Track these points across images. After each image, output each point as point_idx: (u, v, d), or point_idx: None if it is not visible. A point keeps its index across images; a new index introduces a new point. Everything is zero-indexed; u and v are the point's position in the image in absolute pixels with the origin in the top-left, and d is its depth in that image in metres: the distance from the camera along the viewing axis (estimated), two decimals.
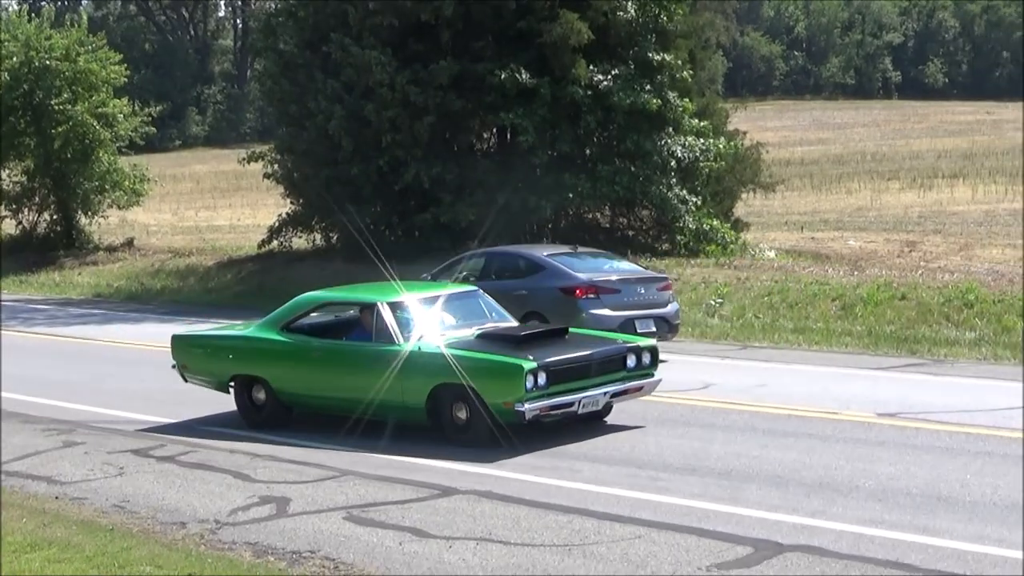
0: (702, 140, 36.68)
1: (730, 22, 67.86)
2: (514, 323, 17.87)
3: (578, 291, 23.29)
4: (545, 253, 25.05)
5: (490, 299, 18.25)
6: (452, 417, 16.02)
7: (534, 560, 11.51)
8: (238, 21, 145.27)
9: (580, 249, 26.32)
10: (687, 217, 36.11)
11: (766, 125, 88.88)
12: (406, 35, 35.69)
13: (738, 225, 39.64)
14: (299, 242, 40.55)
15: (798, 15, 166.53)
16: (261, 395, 17.74)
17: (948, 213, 50.04)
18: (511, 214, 35.01)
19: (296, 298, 18.31)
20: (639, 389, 16.79)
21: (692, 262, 33.35)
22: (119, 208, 49.19)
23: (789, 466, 14.54)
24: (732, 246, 36.46)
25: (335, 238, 38.98)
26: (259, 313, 20.92)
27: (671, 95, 36.17)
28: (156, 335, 26.22)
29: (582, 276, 23.62)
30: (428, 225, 35.97)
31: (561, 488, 13.93)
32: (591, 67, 35.18)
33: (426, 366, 16.11)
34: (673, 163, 35.99)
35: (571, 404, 15.77)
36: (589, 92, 35.10)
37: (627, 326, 22.24)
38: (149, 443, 17.13)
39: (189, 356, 18.74)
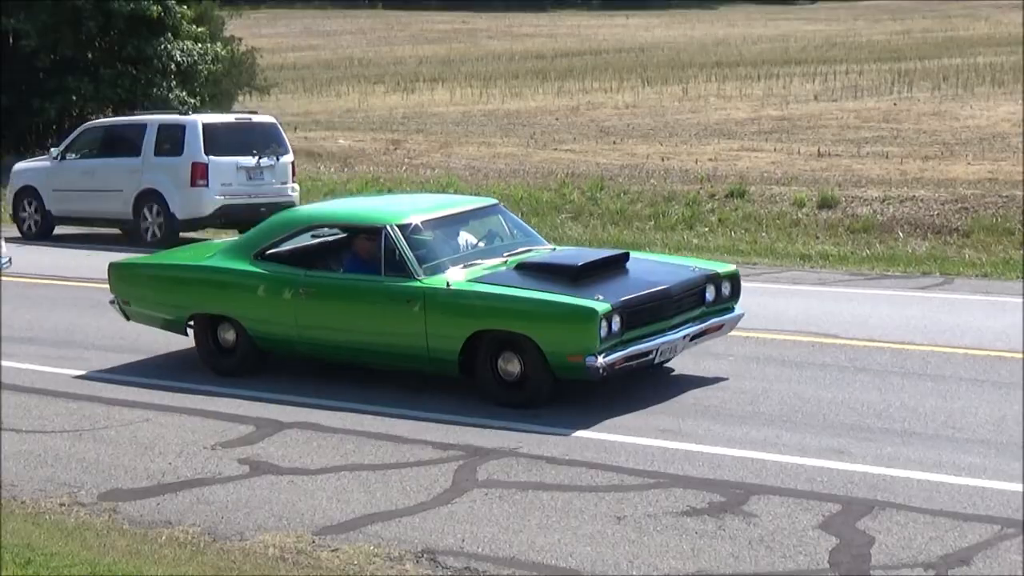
0: (200, 45, 36.42)
1: None
2: (547, 245, 13.90)
3: None
4: None
5: (511, 214, 14.50)
6: (496, 371, 12.09)
7: (46, 445, 11.24)
8: None
9: None
10: None
11: (260, 32, 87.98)
12: None
13: None
14: None
15: None
16: (230, 336, 13.67)
17: (429, 114, 50.97)
18: (16, 115, 33.96)
19: (273, 218, 14.19)
20: (719, 328, 12.99)
21: None
22: None
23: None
24: None
25: None
26: None
27: (170, 3, 35.61)
28: None
29: None
30: None
31: (68, 377, 13.64)
32: None
33: (460, 307, 12.16)
34: (173, 67, 35.52)
35: (648, 353, 11.98)
36: None
37: None
38: None
39: (133, 288, 14.53)
